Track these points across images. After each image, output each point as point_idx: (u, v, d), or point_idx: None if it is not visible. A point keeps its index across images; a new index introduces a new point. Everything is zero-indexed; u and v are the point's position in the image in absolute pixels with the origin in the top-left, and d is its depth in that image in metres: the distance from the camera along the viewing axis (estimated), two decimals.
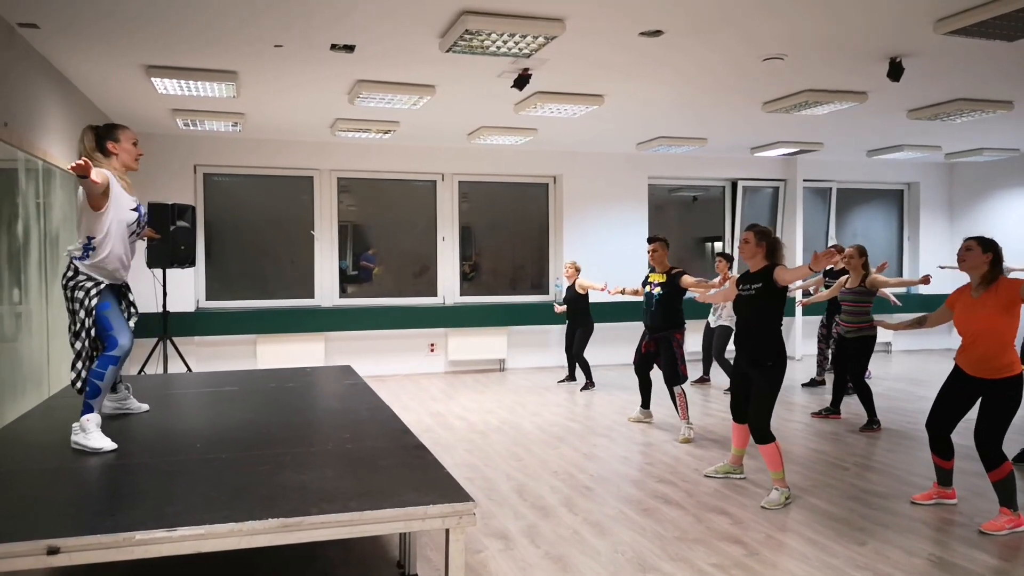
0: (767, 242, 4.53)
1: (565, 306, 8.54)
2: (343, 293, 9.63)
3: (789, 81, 6.26)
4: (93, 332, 3.35)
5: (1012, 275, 9.23)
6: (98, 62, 5.62)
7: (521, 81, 5.77)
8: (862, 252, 6.54)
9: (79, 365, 3.36)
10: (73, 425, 3.30)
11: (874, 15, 4.65)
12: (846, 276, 6.70)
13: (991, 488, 4.11)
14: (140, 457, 3.25)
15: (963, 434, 4.41)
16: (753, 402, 4.52)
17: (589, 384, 8.38)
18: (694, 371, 8.18)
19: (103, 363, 3.34)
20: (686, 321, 6.33)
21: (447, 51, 5.02)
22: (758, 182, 11.02)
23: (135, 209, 3.52)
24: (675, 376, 6.15)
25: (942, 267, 9.94)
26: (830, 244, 9.34)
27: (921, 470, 5.01)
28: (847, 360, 6.56)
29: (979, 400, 4.11)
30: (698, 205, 11.32)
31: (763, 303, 4.48)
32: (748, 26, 4.85)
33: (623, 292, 7.13)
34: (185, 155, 8.73)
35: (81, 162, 3.05)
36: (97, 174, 3.18)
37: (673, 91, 6.64)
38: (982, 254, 4.08)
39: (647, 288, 6.35)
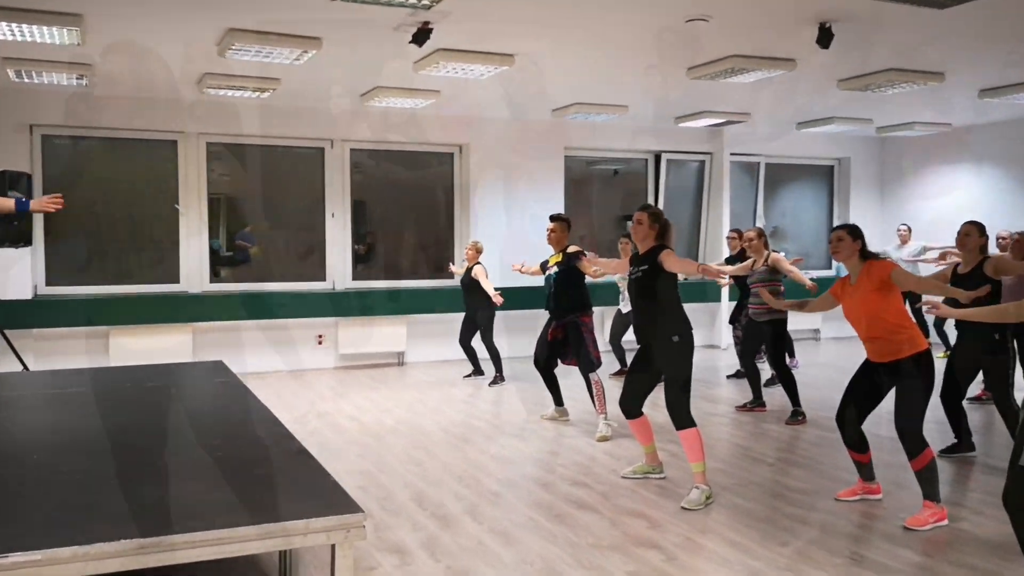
0: (659, 224, 4.80)
1: (460, 272, 8.67)
2: (215, 277, 9.36)
3: (715, 45, 6.47)
4: None
5: (929, 253, 9.93)
6: None
7: (420, 36, 5.73)
8: (760, 234, 7.10)
9: None
10: None
11: None
12: (751, 260, 7.13)
13: (916, 480, 4.41)
14: None
15: (888, 427, 4.70)
16: (667, 386, 4.74)
17: (498, 378, 8.45)
18: (609, 362, 8.37)
19: None
20: (594, 307, 6.46)
21: None
22: (683, 155, 11.34)
23: None
24: (589, 363, 6.29)
25: None
26: (731, 229, 9.67)
27: (846, 464, 5.30)
28: (755, 349, 7.31)
29: (892, 389, 4.41)
30: (619, 179, 11.56)
31: (653, 284, 4.73)
32: None
33: (521, 270, 7.11)
34: (18, 113, 8.24)
35: None
36: None
37: (591, 51, 6.74)
38: (852, 242, 4.41)
39: (546, 271, 6.50)
